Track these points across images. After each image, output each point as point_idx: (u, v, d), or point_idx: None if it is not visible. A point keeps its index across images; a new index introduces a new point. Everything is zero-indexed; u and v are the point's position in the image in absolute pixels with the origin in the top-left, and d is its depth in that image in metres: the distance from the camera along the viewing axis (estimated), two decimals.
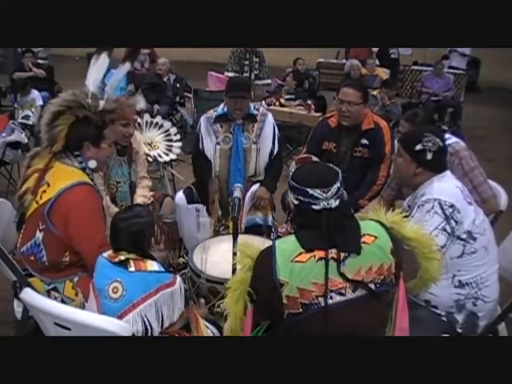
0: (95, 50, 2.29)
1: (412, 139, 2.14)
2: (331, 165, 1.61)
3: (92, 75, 2.25)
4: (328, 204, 1.47)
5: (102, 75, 2.27)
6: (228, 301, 1.60)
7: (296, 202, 1.53)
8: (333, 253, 1.44)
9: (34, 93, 5.77)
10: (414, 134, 2.20)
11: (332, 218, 1.47)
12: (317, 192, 1.47)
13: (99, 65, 2.27)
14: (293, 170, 1.61)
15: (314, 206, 1.48)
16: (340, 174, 1.54)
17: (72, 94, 2.14)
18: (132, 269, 1.82)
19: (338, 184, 1.50)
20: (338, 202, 1.49)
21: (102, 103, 2.17)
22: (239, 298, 1.56)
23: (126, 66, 2.40)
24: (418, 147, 2.09)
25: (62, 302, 2.10)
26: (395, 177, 2.68)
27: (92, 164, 2.18)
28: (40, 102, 5.73)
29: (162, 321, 1.82)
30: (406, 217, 1.73)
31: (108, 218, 2.42)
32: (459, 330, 2.07)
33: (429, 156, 2.08)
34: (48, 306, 1.77)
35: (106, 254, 1.89)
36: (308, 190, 1.48)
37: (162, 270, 1.88)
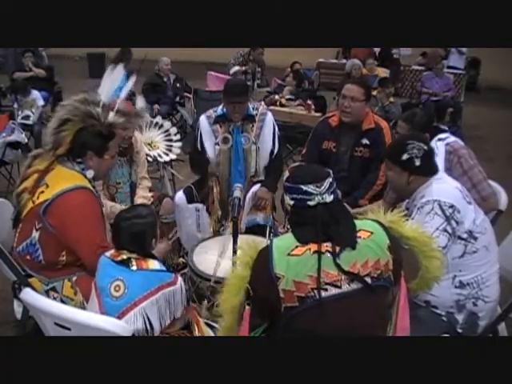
0: (113, 58, 2.27)
1: (396, 150, 2.15)
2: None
3: (106, 85, 2.24)
4: (323, 199, 1.50)
5: (115, 86, 2.26)
6: (225, 295, 1.60)
7: (292, 202, 1.54)
8: (328, 246, 1.45)
9: (35, 93, 5.77)
10: (397, 145, 2.22)
11: (327, 212, 1.49)
12: (310, 188, 1.50)
13: (114, 77, 2.27)
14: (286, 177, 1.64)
15: (309, 202, 1.50)
16: (331, 172, 1.57)
17: (83, 101, 2.13)
18: (134, 267, 1.83)
19: (330, 179, 1.53)
20: (332, 196, 1.51)
21: (111, 115, 2.16)
22: (237, 293, 1.57)
23: (119, 68, 2.37)
24: (405, 157, 2.10)
25: (61, 301, 2.10)
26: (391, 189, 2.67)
27: (90, 174, 2.17)
28: (41, 103, 5.73)
29: (163, 319, 1.83)
30: (404, 216, 1.73)
31: (107, 221, 2.42)
32: (459, 330, 2.07)
33: (417, 162, 2.09)
34: (48, 306, 1.77)
35: (108, 253, 1.90)
36: (301, 186, 1.51)
37: (164, 269, 1.89)
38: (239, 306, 1.58)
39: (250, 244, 1.60)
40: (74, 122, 2.10)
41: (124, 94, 2.32)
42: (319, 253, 1.44)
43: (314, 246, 1.46)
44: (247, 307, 1.57)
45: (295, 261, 1.45)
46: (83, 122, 2.11)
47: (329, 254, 1.45)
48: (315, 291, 1.42)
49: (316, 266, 1.43)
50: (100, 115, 2.13)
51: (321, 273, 1.42)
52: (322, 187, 1.50)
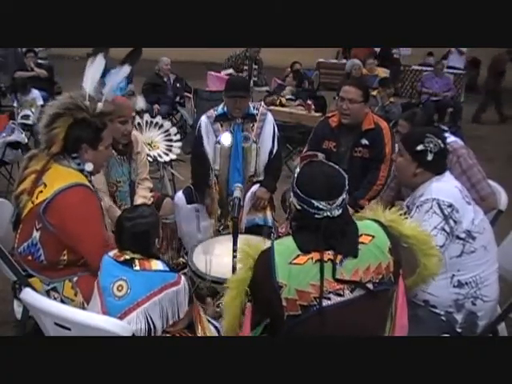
0: (92, 51, 2.27)
1: (413, 139, 2.15)
2: (337, 167, 1.57)
3: (89, 77, 2.23)
4: (331, 214, 1.48)
5: (98, 76, 2.25)
6: (226, 299, 1.61)
7: (299, 208, 1.52)
8: (330, 255, 1.44)
9: (35, 92, 5.77)
10: (415, 135, 2.21)
11: (332, 224, 1.47)
12: (322, 204, 1.47)
13: (95, 66, 2.26)
14: (297, 169, 1.59)
15: (317, 216, 1.48)
16: (346, 180, 1.53)
17: (69, 96, 2.12)
18: (137, 268, 1.82)
19: (343, 195, 1.49)
20: (340, 210, 1.49)
21: (100, 105, 2.16)
22: (237, 297, 1.57)
23: (126, 68, 2.38)
24: (420, 147, 2.10)
25: (62, 302, 2.10)
26: (395, 176, 2.68)
27: (89, 167, 2.16)
28: (41, 102, 5.72)
29: (166, 319, 1.83)
30: (404, 214, 1.73)
31: (107, 219, 2.42)
32: (459, 330, 2.07)
33: (429, 157, 2.09)
34: (48, 306, 1.77)
35: (111, 253, 1.89)
36: (313, 202, 1.47)
37: (167, 269, 1.88)
38: (240, 307, 1.59)
39: (252, 245, 1.59)
40: (65, 117, 2.09)
41: (115, 85, 2.32)
42: (321, 262, 1.43)
43: (316, 255, 1.44)
44: (248, 304, 1.57)
45: (297, 270, 1.44)
46: (73, 116, 2.10)
47: (330, 263, 1.44)
48: (318, 300, 1.41)
49: (318, 276, 1.42)
50: (88, 107, 2.12)
51: (324, 282, 1.42)
52: (334, 205, 1.47)
